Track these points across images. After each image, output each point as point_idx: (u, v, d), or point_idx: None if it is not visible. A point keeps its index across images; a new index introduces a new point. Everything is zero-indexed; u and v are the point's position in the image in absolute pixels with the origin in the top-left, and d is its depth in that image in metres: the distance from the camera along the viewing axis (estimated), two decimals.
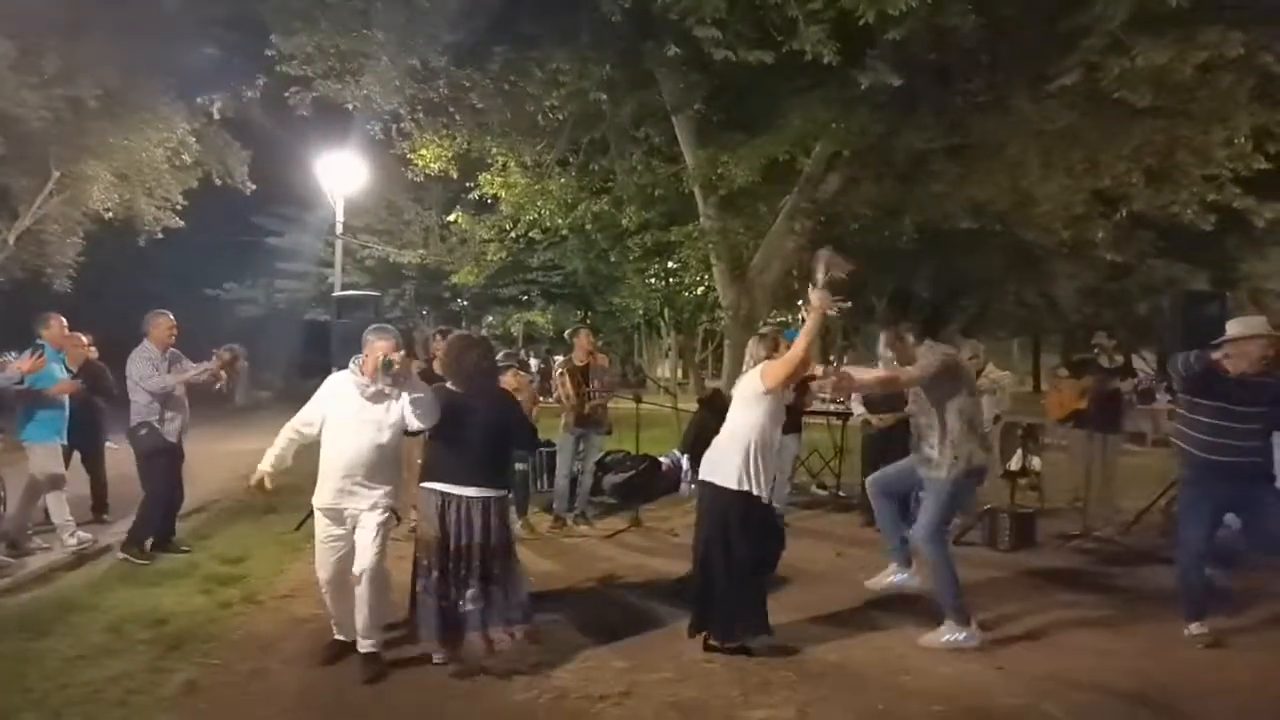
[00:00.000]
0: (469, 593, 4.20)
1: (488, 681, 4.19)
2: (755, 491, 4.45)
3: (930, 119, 9.55)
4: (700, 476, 4.77)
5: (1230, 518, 5.06)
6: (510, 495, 4.54)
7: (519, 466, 7.82)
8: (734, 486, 4.44)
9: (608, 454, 9.44)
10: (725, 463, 4.50)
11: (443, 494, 4.24)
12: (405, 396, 4.26)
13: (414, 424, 4.31)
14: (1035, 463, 8.43)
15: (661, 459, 9.76)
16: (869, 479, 5.46)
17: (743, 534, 4.47)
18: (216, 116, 12.16)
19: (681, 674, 4.33)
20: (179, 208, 14.84)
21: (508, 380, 7.27)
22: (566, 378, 7.81)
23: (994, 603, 5.52)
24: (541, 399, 8.23)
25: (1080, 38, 7.63)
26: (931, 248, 16.92)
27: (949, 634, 4.75)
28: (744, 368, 4.91)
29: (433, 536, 4.22)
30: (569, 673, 4.32)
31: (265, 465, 4.44)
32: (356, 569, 4.22)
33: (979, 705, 4.02)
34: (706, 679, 4.29)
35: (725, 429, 4.65)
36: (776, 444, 4.70)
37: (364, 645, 4.30)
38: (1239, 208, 9.96)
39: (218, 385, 6.69)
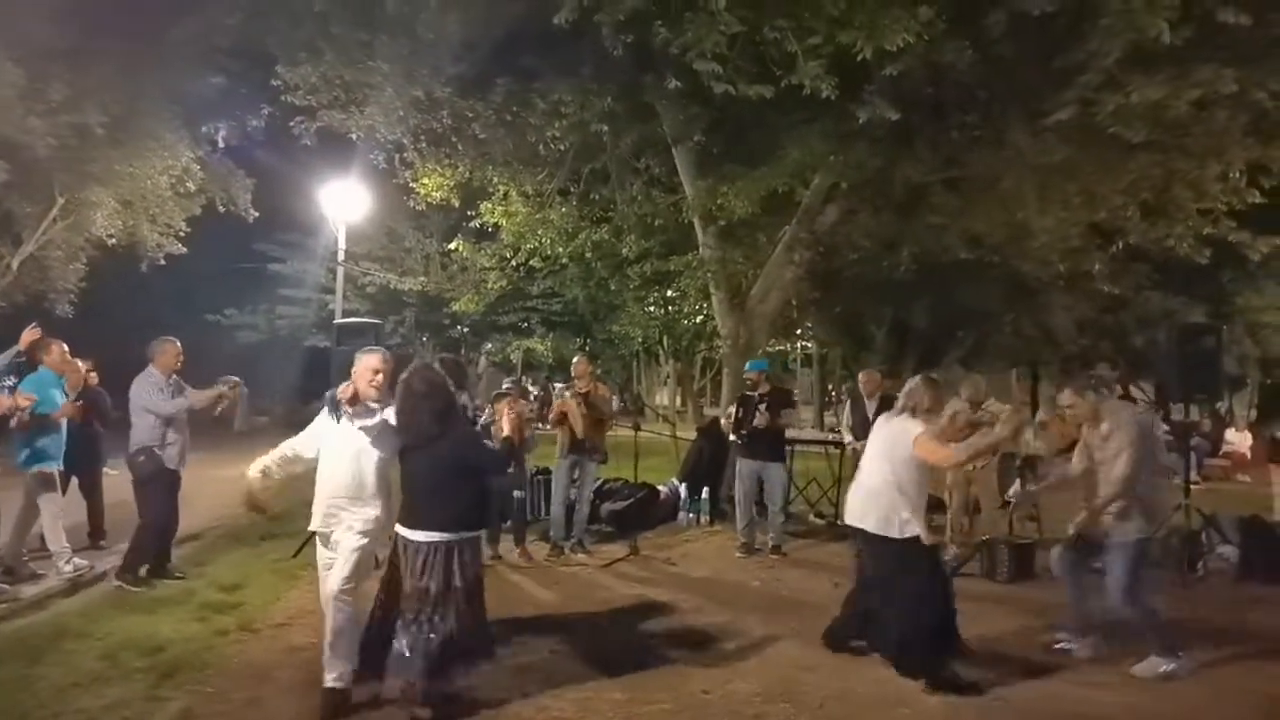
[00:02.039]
0: (414, 638, 4.00)
1: (484, 712, 4.16)
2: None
3: (927, 152, 9.66)
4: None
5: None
6: (478, 536, 4.30)
7: (517, 494, 7.83)
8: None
9: (605, 482, 9.44)
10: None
11: (399, 536, 4.18)
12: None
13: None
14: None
15: (660, 487, 9.76)
16: (1058, 560, 5.31)
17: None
18: (221, 145, 12.29)
19: (679, 706, 4.32)
20: (182, 234, 14.92)
21: (504, 409, 7.31)
22: (576, 403, 7.79)
23: (992, 634, 5.51)
24: (540, 425, 8.23)
25: (1075, 74, 7.73)
26: (929, 279, 16.99)
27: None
28: (900, 407, 4.95)
29: (396, 578, 4.18)
30: (567, 702, 4.30)
31: (252, 471, 4.38)
32: (321, 593, 4.20)
33: None
34: (702, 711, 4.27)
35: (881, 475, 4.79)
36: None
37: (326, 678, 4.12)
38: (1234, 241, 10.05)
39: (218, 410, 6.72)
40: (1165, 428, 14.26)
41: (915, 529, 4.66)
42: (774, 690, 4.54)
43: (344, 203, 15.21)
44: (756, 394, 8.15)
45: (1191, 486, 8.01)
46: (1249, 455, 15.59)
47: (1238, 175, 9.25)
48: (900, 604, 4.68)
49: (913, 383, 4.96)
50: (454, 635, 3.99)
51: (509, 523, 7.80)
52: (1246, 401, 24.46)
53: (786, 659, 5.00)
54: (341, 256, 16.17)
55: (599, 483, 9.09)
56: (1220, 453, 16.39)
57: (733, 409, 8.54)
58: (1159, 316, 20.50)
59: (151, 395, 6.34)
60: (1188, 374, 7.77)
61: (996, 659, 5.05)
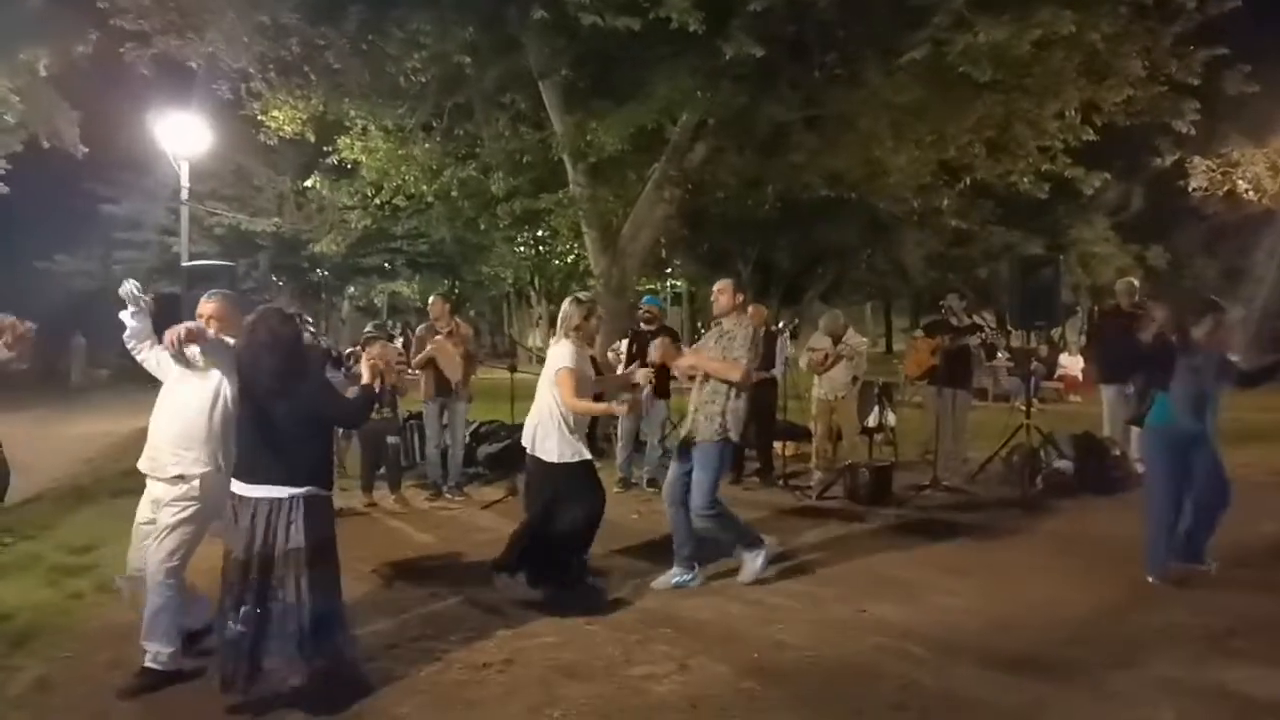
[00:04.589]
0: (242, 611, 3.54)
1: (366, 657, 4.12)
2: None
3: (789, 91, 9.84)
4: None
5: None
6: (321, 493, 3.78)
7: (390, 440, 7.68)
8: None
9: (481, 424, 9.38)
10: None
11: (235, 495, 3.69)
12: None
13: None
14: (890, 419, 8.93)
15: None
16: (665, 495, 5.52)
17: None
18: (43, 73, 11.14)
19: (563, 638, 4.41)
20: (2, 173, 13.57)
21: (372, 352, 7.10)
22: (445, 343, 7.65)
23: (857, 553, 5.86)
24: (409, 370, 8.04)
25: (928, 14, 8.02)
26: (792, 218, 17.50)
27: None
28: (558, 328, 5.16)
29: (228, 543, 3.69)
30: (450, 644, 4.31)
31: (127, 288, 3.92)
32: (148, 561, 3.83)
33: (846, 649, 4.27)
34: (588, 641, 4.38)
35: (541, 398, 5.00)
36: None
37: (145, 656, 3.78)
38: (1069, 177, 10.81)
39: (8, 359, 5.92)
40: (1006, 354, 15.33)
41: (558, 453, 4.94)
42: (655, 616, 4.69)
43: (185, 137, 14.09)
44: (649, 329, 8.21)
45: (1031, 408, 8.68)
46: (1080, 378, 16.98)
47: (1073, 114, 9.90)
48: (543, 523, 5.01)
49: (565, 305, 5.19)
50: (307, 603, 3.57)
51: (383, 469, 7.66)
52: (1078, 328, 26.48)
53: (666, 589, 5.17)
54: (185, 196, 15.09)
55: (475, 425, 9.01)
56: (1056, 376, 17.79)
57: (622, 344, 8.55)
58: (1001, 250, 21.91)
59: None
60: (1028, 303, 8.34)
61: (862, 575, 5.39)
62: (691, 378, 5.46)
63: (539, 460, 5.04)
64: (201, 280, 7.37)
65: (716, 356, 5.26)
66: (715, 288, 5.48)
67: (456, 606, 4.90)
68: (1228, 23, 8.94)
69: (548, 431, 4.98)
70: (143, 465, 3.95)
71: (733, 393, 5.18)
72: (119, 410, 4.29)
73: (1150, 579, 5.17)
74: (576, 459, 4.98)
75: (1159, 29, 9.04)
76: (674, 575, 5.25)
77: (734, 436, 5.24)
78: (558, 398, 4.94)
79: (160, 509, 3.85)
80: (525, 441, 5.14)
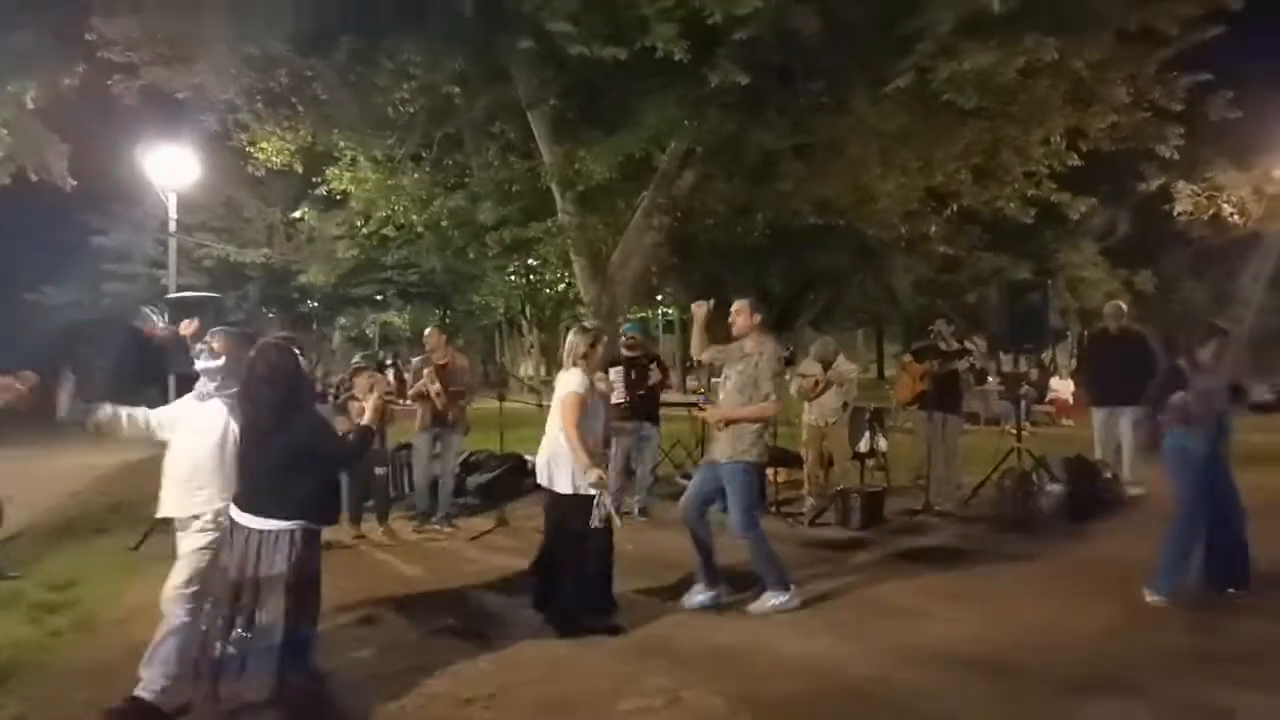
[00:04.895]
0: (234, 635, 3.59)
1: (351, 690, 4.04)
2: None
3: (777, 118, 9.89)
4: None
5: None
6: (317, 531, 3.87)
7: (379, 471, 7.61)
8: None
9: (471, 454, 9.30)
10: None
11: (231, 520, 3.77)
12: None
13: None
14: (882, 444, 8.89)
15: (527, 457, 9.68)
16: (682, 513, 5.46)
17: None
18: (30, 105, 11.10)
19: (552, 670, 4.32)
20: None
21: (360, 385, 7.05)
22: (431, 378, 7.62)
23: (851, 580, 5.79)
24: (401, 401, 8.00)
25: (913, 42, 8.08)
26: (782, 244, 17.53)
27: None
28: (565, 357, 5.13)
29: (219, 564, 3.77)
30: (436, 678, 4.22)
31: (102, 415, 4.02)
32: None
33: (835, 679, 4.20)
34: (577, 674, 4.29)
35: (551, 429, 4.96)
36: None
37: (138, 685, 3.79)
38: (1056, 202, 10.86)
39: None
40: (997, 378, 15.34)
41: (570, 484, 4.85)
42: (649, 646, 4.62)
43: (173, 169, 14.12)
44: (632, 355, 8.21)
45: (1022, 431, 8.66)
46: (1071, 401, 17.00)
47: (1058, 140, 9.98)
48: (559, 556, 4.95)
49: (570, 334, 5.18)
50: (281, 627, 3.59)
51: (371, 501, 7.58)
52: (1068, 351, 26.57)
53: (660, 617, 5.09)
54: (173, 227, 15.07)
55: (465, 455, 8.94)
56: (1046, 399, 17.81)
57: (614, 371, 8.48)
58: (990, 275, 22.01)
59: None
60: (1017, 327, 8.35)
61: (852, 602, 5.32)
62: (700, 407, 5.47)
63: (553, 494, 4.97)
64: (186, 312, 7.33)
65: (737, 384, 5.23)
66: (733, 308, 5.43)
67: (443, 639, 4.81)
68: (1211, 49, 9.03)
69: (559, 463, 4.91)
70: (164, 511, 4.02)
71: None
72: (106, 443, 4.25)
73: (1152, 598, 5.14)
74: (589, 490, 4.88)
75: (1143, 56, 9.13)
76: (698, 593, 5.24)
77: (755, 458, 5.25)
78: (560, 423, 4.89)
79: (178, 541, 3.94)
80: (540, 477, 5.06)
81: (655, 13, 7.67)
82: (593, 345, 5.07)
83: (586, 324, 5.49)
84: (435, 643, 4.75)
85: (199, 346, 4.13)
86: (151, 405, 4.21)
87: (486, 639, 4.76)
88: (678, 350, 34.01)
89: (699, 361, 5.96)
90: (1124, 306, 9.19)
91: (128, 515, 7.81)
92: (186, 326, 4.45)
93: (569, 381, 4.98)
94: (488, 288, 18.35)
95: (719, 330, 5.50)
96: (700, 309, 5.52)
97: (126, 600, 5.56)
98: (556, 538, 5.01)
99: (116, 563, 6.50)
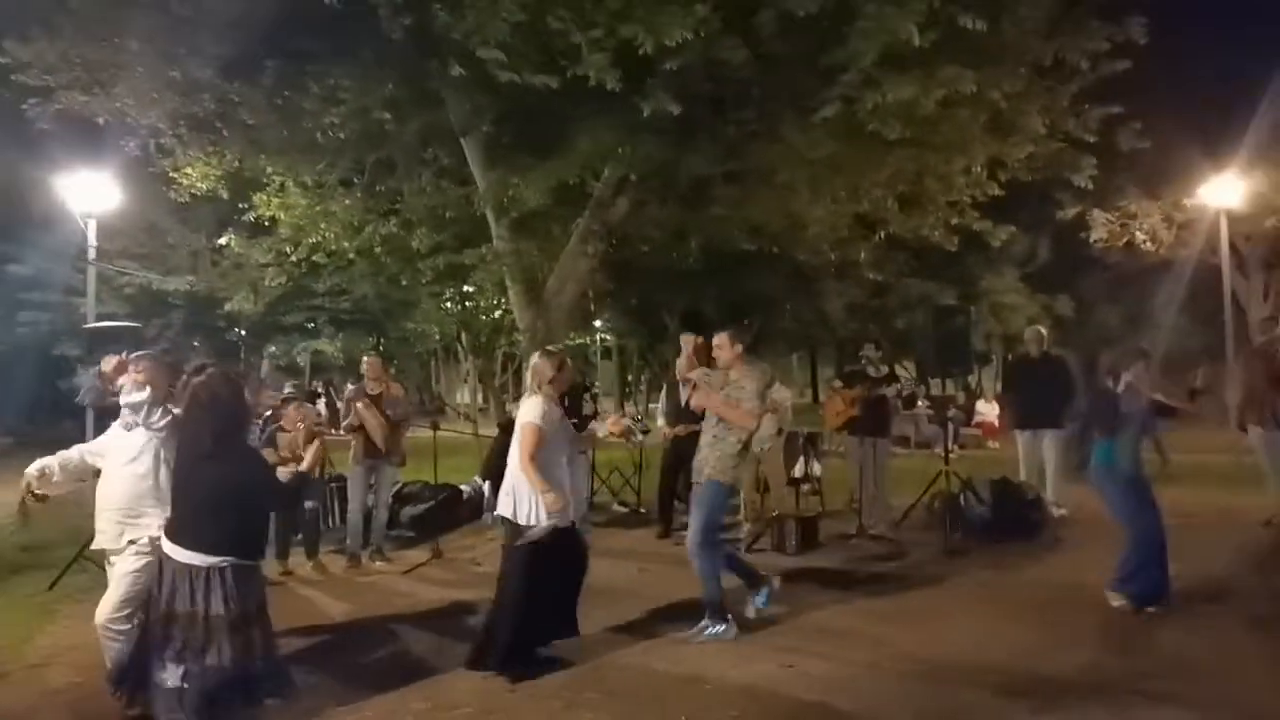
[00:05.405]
0: (182, 669, 3.58)
1: None
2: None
3: (709, 145, 10.01)
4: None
5: None
6: (256, 565, 3.92)
7: (308, 504, 7.40)
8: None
9: (405, 485, 9.12)
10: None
11: (163, 554, 3.74)
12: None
13: None
14: (816, 469, 8.99)
15: (463, 487, 9.55)
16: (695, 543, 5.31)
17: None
18: None
19: (484, 707, 4.23)
20: None
21: (289, 416, 6.88)
22: (368, 408, 7.47)
23: (786, 605, 5.81)
24: (333, 431, 7.81)
25: (838, 73, 8.27)
26: (717, 269, 17.71)
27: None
28: (529, 382, 5.01)
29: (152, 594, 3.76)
30: (366, 717, 4.10)
31: (30, 468, 4.10)
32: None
33: (775, 704, 4.20)
34: (509, 710, 4.21)
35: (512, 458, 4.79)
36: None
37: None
38: (978, 229, 11.19)
39: None
40: (926, 402, 15.68)
41: (528, 514, 4.70)
42: (583, 679, 4.55)
43: (92, 195, 13.63)
44: (582, 382, 8.21)
45: (950, 454, 8.84)
46: (997, 424, 17.46)
47: (979, 169, 10.30)
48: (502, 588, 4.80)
49: (534, 359, 5.06)
50: (231, 667, 3.60)
51: (300, 535, 7.37)
52: (993, 375, 27.31)
53: (594, 648, 5.03)
54: (93, 254, 14.53)
55: (398, 486, 8.77)
56: (974, 422, 18.26)
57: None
58: (917, 300, 22.58)
59: None
60: (943, 351, 8.56)
61: (789, 628, 5.34)
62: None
63: (514, 524, 4.75)
64: (105, 342, 7.06)
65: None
66: (715, 342, 5.46)
67: (372, 676, 4.67)
68: (1120, 82, 9.43)
69: (520, 494, 4.75)
70: (101, 543, 4.06)
71: (733, 437, 5.22)
72: (18, 480, 4.07)
73: (1148, 609, 5.34)
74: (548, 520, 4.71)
75: (1057, 88, 9.50)
76: (705, 626, 5.19)
77: (729, 480, 5.31)
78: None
79: (112, 565, 3.99)
80: (502, 507, 4.84)
81: (587, 42, 7.71)
82: (559, 369, 4.93)
83: (551, 348, 5.42)
84: (366, 680, 4.60)
85: (121, 380, 4.09)
86: (68, 441, 4.16)
87: (418, 676, 4.64)
88: (616, 374, 34.01)
89: (684, 380, 6.14)
90: (1044, 332, 9.48)
91: (41, 556, 7.47)
92: (108, 363, 4.34)
93: (527, 411, 4.82)
94: (422, 315, 18.04)
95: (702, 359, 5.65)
96: (689, 340, 6.35)
97: (41, 644, 5.30)
98: (518, 574, 4.79)
99: (29, 604, 6.19)
